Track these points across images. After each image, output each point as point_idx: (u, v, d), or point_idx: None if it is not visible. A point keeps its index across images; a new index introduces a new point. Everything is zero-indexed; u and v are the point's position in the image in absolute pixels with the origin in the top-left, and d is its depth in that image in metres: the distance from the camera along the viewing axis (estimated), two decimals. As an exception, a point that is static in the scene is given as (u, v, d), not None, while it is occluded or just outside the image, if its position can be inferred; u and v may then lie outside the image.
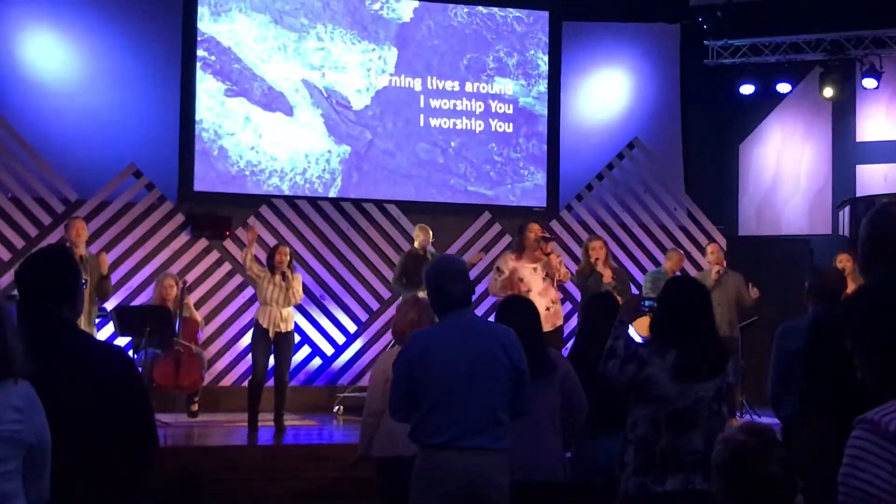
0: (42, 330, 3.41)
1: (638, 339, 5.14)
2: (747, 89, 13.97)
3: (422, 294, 10.09)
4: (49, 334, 3.41)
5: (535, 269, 9.76)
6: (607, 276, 10.27)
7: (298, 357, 11.80)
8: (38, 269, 3.51)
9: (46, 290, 3.45)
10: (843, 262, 10.03)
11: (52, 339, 3.40)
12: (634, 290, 11.55)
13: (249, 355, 10.34)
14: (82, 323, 9.49)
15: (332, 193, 12.25)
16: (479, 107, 12.84)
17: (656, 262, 12.50)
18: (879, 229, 3.25)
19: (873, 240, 3.24)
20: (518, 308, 5.50)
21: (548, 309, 9.68)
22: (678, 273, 11.18)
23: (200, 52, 11.90)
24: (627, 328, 4.89)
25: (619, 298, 6.61)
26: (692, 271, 12.61)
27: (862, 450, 2.06)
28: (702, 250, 12.95)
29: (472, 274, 12.33)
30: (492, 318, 5.94)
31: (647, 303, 5.11)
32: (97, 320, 10.24)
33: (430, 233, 10.94)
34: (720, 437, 3.10)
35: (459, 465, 4.44)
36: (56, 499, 3.16)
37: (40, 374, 3.25)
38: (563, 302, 11.14)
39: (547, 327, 9.51)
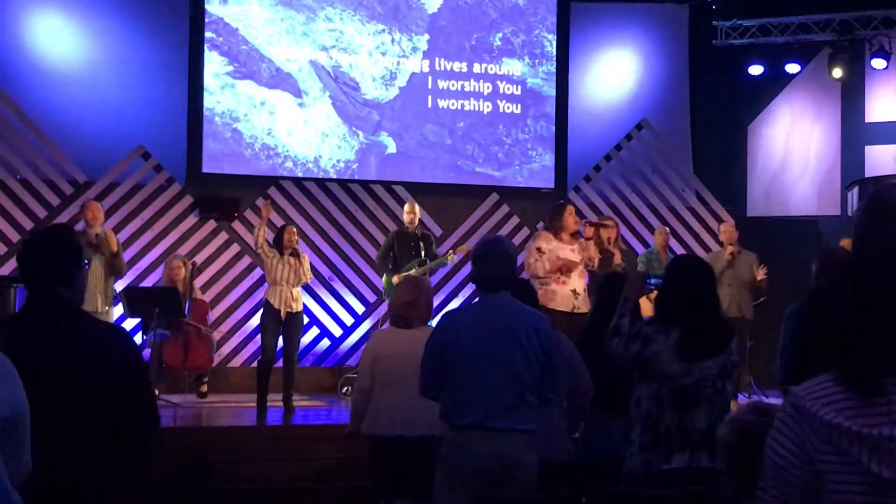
0: (41, 310, 3.42)
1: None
2: (756, 70, 13.93)
3: (414, 272, 10.18)
4: (48, 315, 3.41)
5: (573, 250, 9.61)
6: (618, 256, 10.30)
7: (307, 338, 11.83)
8: (38, 249, 3.51)
9: (45, 271, 3.45)
10: (849, 245, 10.01)
11: (52, 320, 3.40)
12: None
13: (258, 336, 10.37)
14: (98, 302, 9.55)
15: (340, 175, 12.25)
16: (487, 88, 12.82)
17: (664, 243, 12.50)
18: (872, 211, 3.19)
19: (866, 222, 3.19)
20: (518, 290, 5.50)
21: (585, 290, 9.65)
22: (667, 249, 11.30)
23: (208, 34, 11.90)
24: (633, 306, 4.91)
25: None
26: (698, 250, 12.63)
27: (781, 422, 2.10)
28: (710, 231, 12.98)
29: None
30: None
31: (652, 281, 5.12)
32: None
33: (416, 210, 10.92)
34: (728, 417, 3.10)
35: (486, 445, 4.47)
36: (58, 479, 3.17)
37: (40, 355, 3.26)
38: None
39: (584, 309, 9.46)
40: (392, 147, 12.47)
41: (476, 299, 4.80)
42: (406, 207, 11.05)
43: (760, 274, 11.02)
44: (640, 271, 10.16)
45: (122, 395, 3.39)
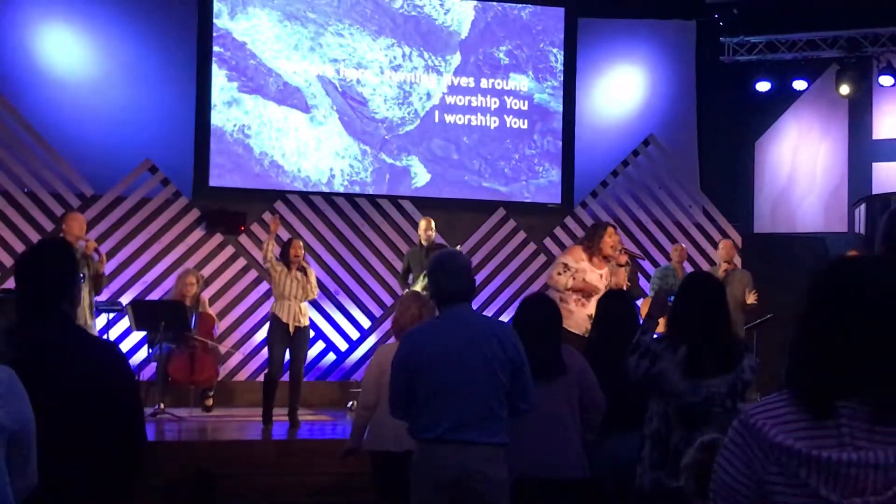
0: (35, 324, 3.40)
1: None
2: (763, 86, 13.93)
3: (419, 287, 10.14)
4: (42, 328, 3.39)
5: (601, 275, 9.12)
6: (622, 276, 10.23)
7: (313, 352, 11.83)
8: (35, 262, 3.49)
9: (42, 284, 3.42)
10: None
11: (45, 334, 3.38)
12: (642, 284, 11.59)
13: (264, 350, 10.36)
14: (87, 315, 9.47)
15: (347, 189, 12.25)
16: (495, 103, 12.83)
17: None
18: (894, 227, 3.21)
19: (889, 237, 3.20)
20: (538, 307, 5.46)
21: None
22: (684, 265, 11.24)
23: (216, 48, 11.92)
24: (656, 323, 4.90)
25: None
26: (704, 266, 12.60)
27: (731, 440, 2.10)
28: (717, 247, 12.93)
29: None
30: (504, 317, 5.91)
31: (673, 298, 5.10)
32: (111, 315, 10.28)
33: (432, 225, 10.89)
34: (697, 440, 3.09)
35: (452, 458, 4.46)
36: (46, 492, 3.16)
37: (32, 367, 3.25)
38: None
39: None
40: (399, 161, 12.48)
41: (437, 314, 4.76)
42: (422, 224, 10.96)
43: (751, 298, 10.89)
44: (663, 288, 10.07)
45: (113, 413, 3.38)
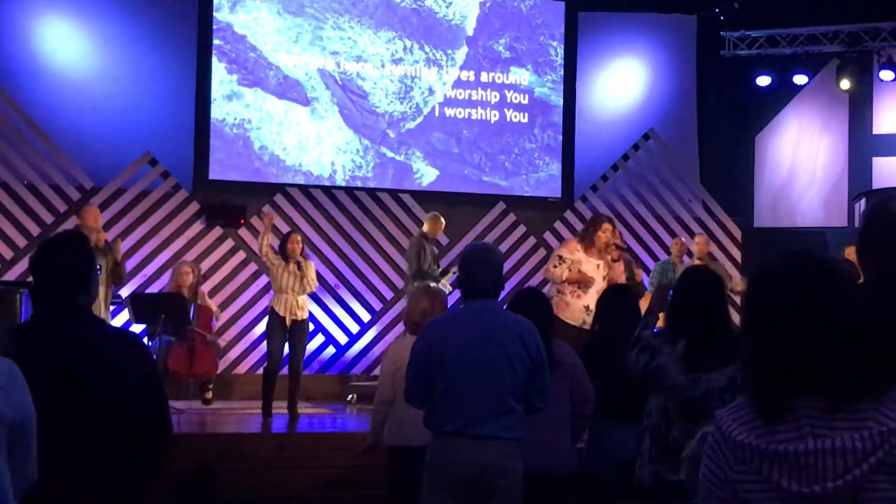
0: (56, 318, 3.38)
1: None
2: (764, 81, 13.92)
3: (433, 283, 10.13)
4: (63, 322, 3.38)
5: (597, 266, 9.26)
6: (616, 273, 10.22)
7: (312, 346, 11.83)
8: (52, 256, 3.45)
9: (60, 278, 3.40)
10: (852, 255, 10.01)
11: (66, 328, 3.37)
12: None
13: (264, 343, 10.36)
14: (99, 308, 9.50)
15: (347, 182, 12.25)
16: (495, 97, 12.82)
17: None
18: (871, 224, 3.21)
19: (864, 233, 3.22)
20: (531, 301, 5.45)
21: None
22: (684, 259, 11.24)
23: (216, 41, 11.91)
24: (657, 318, 4.90)
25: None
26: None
27: (708, 444, 2.17)
28: (717, 241, 12.96)
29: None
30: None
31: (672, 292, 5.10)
32: (112, 307, 10.28)
33: (441, 222, 10.87)
34: (698, 433, 3.10)
35: (469, 452, 4.44)
36: (72, 487, 3.15)
37: (54, 362, 3.24)
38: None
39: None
40: (398, 154, 12.47)
41: (461, 306, 4.76)
42: (440, 221, 10.87)
43: (741, 284, 10.90)
44: (663, 284, 10.06)
45: (137, 403, 3.37)
